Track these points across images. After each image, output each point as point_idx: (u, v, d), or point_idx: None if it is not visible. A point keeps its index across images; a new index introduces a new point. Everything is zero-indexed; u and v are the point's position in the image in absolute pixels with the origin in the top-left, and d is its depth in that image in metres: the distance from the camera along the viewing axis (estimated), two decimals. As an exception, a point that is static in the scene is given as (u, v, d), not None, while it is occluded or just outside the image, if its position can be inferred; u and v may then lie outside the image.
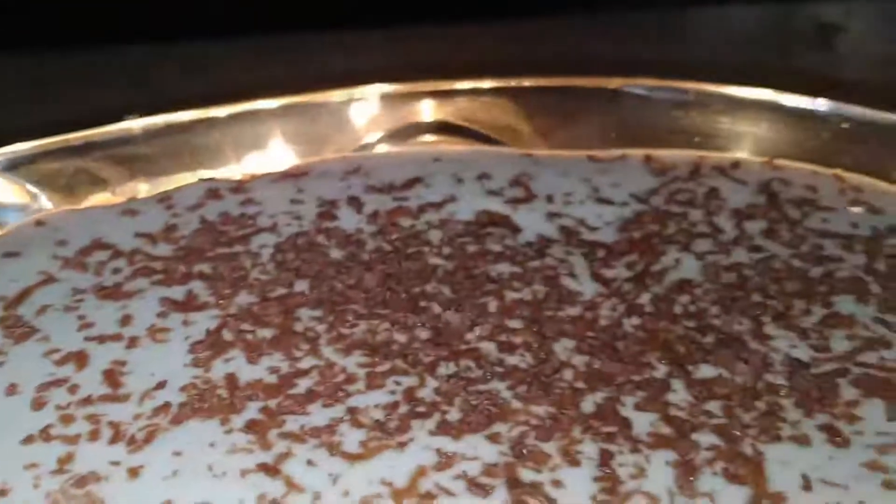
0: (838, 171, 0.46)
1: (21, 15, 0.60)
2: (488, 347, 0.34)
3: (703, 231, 0.42)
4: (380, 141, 0.49)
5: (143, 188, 0.45)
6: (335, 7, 0.65)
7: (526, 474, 0.29)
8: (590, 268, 0.39)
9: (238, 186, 0.44)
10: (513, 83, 0.51)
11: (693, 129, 0.48)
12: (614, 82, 0.50)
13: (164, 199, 0.43)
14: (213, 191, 0.44)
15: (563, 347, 0.34)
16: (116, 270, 0.38)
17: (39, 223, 0.42)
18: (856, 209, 0.43)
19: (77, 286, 0.37)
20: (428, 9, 0.66)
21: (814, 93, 0.48)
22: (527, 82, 0.51)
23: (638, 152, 0.48)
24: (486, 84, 0.51)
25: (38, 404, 0.31)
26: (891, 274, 0.38)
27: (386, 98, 0.50)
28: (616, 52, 0.64)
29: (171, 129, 0.46)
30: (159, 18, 0.61)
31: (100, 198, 0.44)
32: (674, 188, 0.45)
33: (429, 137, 0.50)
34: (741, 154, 0.47)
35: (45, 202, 0.43)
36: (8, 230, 0.41)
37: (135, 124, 0.45)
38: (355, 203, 0.43)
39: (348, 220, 0.42)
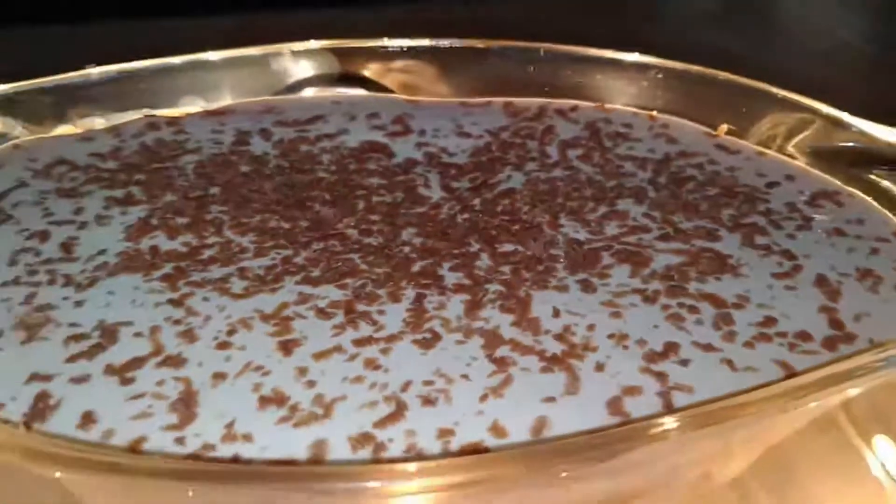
0: (652, 113, 0.57)
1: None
2: (351, 233, 0.45)
3: (534, 156, 0.53)
4: (293, 88, 0.60)
5: (98, 122, 0.55)
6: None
7: (360, 306, 0.40)
8: (441, 181, 0.50)
9: (173, 121, 0.55)
10: (407, 44, 0.62)
11: (544, 82, 0.60)
12: (483, 43, 0.61)
13: (114, 129, 0.54)
14: (153, 124, 0.55)
15: (407, 233, 0.45)
16: (73, 179, 0.49)
17: (16, 147, 0.52)
18: (658, 140, 0.54)
19: (43, 189, 0.48)
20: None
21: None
22: (417, 43, 0.62)
23: (500, 100, 0.59)
24: (385, 44, 0.62)
25: (11, 262, 0.42)
26: (667, 184, 0.50)
27: (301, 53, 0.61)
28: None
29: (121, 75, 0.57)
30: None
31: (64, 129, 0.54)
32: (521, 126, 0.56)
33: (336, 87, 0.61)
34: (579, 101, 0.59)
35: (21, 132, 0.54)
36: (-7, 151, 0.52)
37: (93, 71, 0.56)
38: (265, 133, 0.54)
39: (258, 145, 0.53)
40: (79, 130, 0.54)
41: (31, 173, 0.50)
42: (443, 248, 0.44)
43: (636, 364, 0.36)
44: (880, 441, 0.46)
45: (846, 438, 0.47)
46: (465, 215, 0.47)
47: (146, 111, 0.56)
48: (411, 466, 0.31)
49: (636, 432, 0.32)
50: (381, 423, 0.33)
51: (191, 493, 0.28)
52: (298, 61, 0.60)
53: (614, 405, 0.34)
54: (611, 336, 0.38)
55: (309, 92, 0.61)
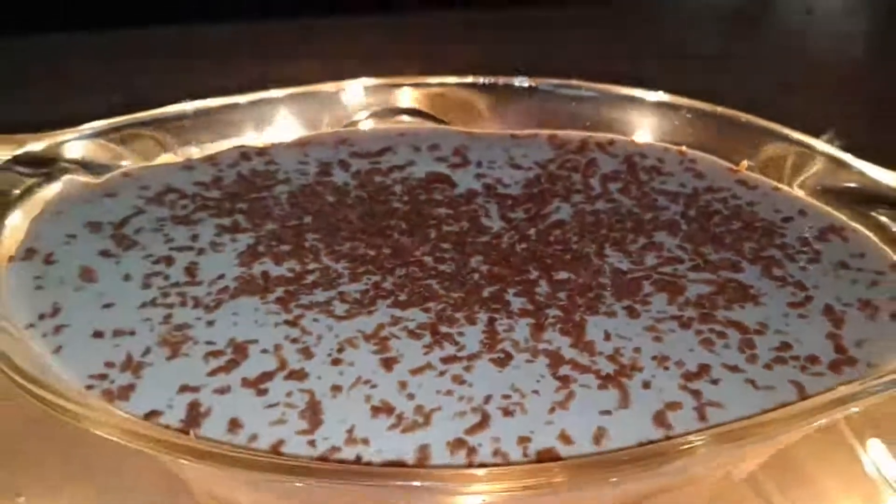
0: (682, 148, 0.64)
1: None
2: (427, 260, 0.52)
3: (579, 189, 0.60)
4: (361, 121, 0.67)
5: (194, 151, 0.62)
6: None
7: (442, 328, 0.47)
8: (500, 212, 0.57)
9: (262, 151, 0.62)
10: (462, 80, 0.69)
11: (585, 117, 0.66)
12: (532, 81, 0.68)
13: (210, 158, 0.61)
14: (245, 154, 0.62)
15: (475, 260, 0.52)
16: (184, 206, 0.56)
17: (125, 175, 0.59)
18: (687, 174, 0.61)
19: (159, 216, 0.55)
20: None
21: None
22: (471, 79, 0.69)
23: (545, 132, 0.66)
24: (440, 80, 0.69)
25: (145, 286, 0.49)
26: (696, 217, 0.57)
27: (367, 88, 0.67)
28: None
29: (211, 110, 0.63)
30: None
31: (165, 158, 0.61)
32: (566, 158, 0.63)
33: (397, 118, 0.68)
34: (616, 135, 0.65)
35: (127, 161, 0.61)
36: (104, 180, 0.59)
37: (188, 106, 0.63)
38: (343, 164, 0.61)
39: (338, 176, 0.60)
40: (179, 159, 0.61)
41: (143, 200, 0.57)
42: (507, 275, 0.51)
43: (676, 383, 0.44)
44: (873, 443, 0.54)
45: (845, 440, 0.55)
46: (523, 245, 0.54)
47: (235, 141, 0.63)
48: (500, 470, 0.38)
49: (674, 447, 0.39)
50: (471, 430, 0.41)
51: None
52: (363, 95, 0.67)
53: (659, 418, 0.42)
54: (654, 357, 0.45)
55: (369, 123, 0.67)
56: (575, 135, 0.65)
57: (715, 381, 0.44)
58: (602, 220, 0.56)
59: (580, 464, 0.38)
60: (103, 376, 0.43)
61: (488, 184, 0.60)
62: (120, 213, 0.55)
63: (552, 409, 0.42)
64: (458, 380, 0.43)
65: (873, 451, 0.53)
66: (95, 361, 0.44)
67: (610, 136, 0.65)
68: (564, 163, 0.62)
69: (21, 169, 0.56)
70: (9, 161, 0.55)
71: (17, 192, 0.55)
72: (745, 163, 0.62)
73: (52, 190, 0.57)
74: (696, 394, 0.43)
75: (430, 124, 0.67)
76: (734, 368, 0.45)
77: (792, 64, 1.11)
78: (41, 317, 0.47)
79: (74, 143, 0.59)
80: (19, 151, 0.56)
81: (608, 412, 0.42)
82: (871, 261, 0.53)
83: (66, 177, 0.57)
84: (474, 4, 1.19)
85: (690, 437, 0.38)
